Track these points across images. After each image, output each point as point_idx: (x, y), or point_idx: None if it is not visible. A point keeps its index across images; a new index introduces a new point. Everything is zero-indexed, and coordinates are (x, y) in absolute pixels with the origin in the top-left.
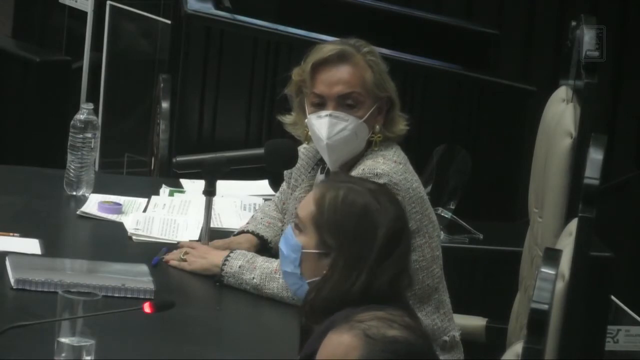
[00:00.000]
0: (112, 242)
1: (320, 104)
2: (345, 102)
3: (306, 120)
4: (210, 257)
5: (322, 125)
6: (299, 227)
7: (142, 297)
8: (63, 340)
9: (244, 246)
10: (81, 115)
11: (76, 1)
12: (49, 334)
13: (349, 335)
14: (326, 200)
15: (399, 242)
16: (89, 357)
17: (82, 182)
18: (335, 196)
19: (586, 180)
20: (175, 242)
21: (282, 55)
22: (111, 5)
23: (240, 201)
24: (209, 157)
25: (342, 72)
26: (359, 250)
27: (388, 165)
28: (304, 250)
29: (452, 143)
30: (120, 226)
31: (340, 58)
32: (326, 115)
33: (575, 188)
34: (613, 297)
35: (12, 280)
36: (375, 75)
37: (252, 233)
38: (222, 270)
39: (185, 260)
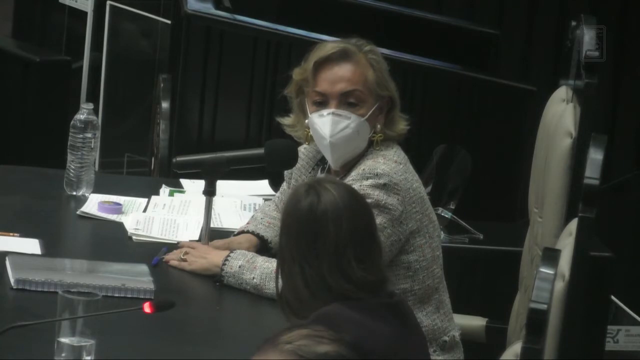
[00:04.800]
0: (112, 242)
1: (322, 103)
2: (347, 100)
3: (307, 121)
4: (211, 257)
5: (324, 124)
6: None
7: (142, 297)
8: (63, 340)
9: (244, 246)
10: (81, 115)
11: (76, 1)
12: (49, 334)
13: (279, 358)
14: None
15: (322, 231)
16: (89, 357)
17: (82, 182)
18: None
19: (586, 180)
20: (175, 242)
21: (282, 55)
22: (111, 5)
23: (240, 201)
24: (208, 157)
25: (344, 70)
26: (287, 240)
27: (388, 166)
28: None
29: (452, 143)
30: (120, 226)
31: (342, 56)
32: (329, 114)
33: (575, 188)
34: (613, 297)
35: (12, 280)
36: (377, 73)
37: (252, 233)
38: (222, 270)
39: (185, 260)
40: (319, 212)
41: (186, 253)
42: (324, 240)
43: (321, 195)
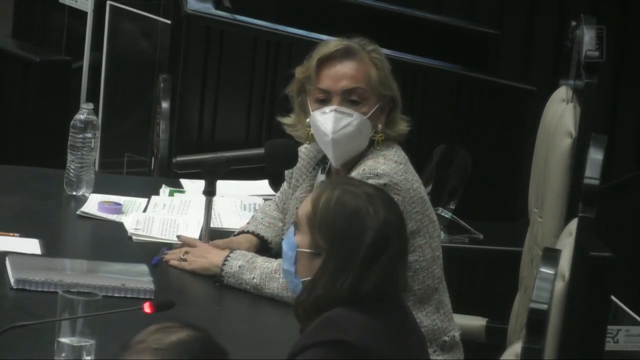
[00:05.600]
0: (112, 242)
1: (324, 100)
2: (349, 98)
3: (308, 120)
4: (210, 257)
5: (327, 120)
6: (296, 226)
7: (142, 297)
8: (63, 340)
9: (244, 246)
10: (81, 115)
11: (76, 1)
12: (49, 334)
13: (136, 358)
14: (321, 200)
15: (388, 246)
16: (89, 357)
17: (82, 182)
18: (329, 197)
19: (586, 180)
20: (175, 243)
21: (282, 55)
22: (111, 5)
23: (240, 201)
24: (208, 157)
25: (347, 68)
26: (347, 252)
27: (389, 166)
28: (298, 249)
29: (452, 143)
30: (120, 226)
31: (345, 54)
32: (331, 111)
33: (575, 188)
34: (613, 297)
35: (12, 280)
36: (380, 73)
37: (252, 233)
38: (222, 270)
39: (185, 260)
40: (393, 223)
41: (186, 252)
42: (387, 256)
43: (385, 215)
